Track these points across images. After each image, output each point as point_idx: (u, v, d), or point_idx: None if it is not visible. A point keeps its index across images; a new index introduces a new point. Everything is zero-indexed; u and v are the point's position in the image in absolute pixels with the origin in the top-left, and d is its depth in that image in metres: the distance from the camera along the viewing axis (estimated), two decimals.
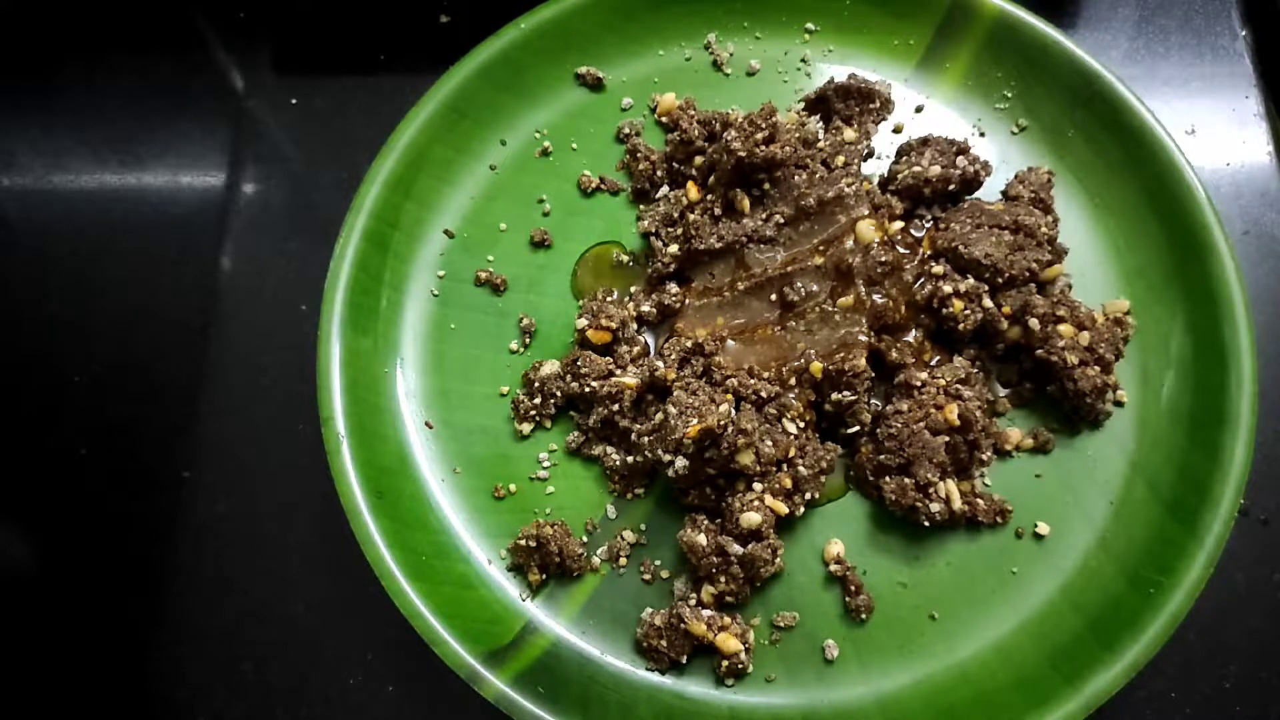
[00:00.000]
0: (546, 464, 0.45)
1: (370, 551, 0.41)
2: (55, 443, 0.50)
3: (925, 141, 0.48)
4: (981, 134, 0.50)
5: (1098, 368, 0.44)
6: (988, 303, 0.44)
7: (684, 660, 0.41)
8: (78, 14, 0.59)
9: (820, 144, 0.49)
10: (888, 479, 0.43)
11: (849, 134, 0.49)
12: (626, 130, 0.51)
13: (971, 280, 0.44)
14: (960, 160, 0.47)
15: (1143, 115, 0.47)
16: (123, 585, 0.47)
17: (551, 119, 0.51)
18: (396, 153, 0.48)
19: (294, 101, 0.56)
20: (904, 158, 0.49)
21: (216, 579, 0.47)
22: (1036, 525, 0.43)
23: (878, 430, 0.44)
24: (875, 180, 0.49)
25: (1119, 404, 0.45)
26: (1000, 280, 0.45)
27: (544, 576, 0.43)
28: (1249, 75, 0.55)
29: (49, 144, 0.56)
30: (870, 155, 0.50)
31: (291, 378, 0.50)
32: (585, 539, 0.44)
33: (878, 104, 0.50)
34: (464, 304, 0.48)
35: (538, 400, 0.46)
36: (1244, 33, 0.56)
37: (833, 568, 0.43)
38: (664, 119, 0.51)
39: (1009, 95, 0.50)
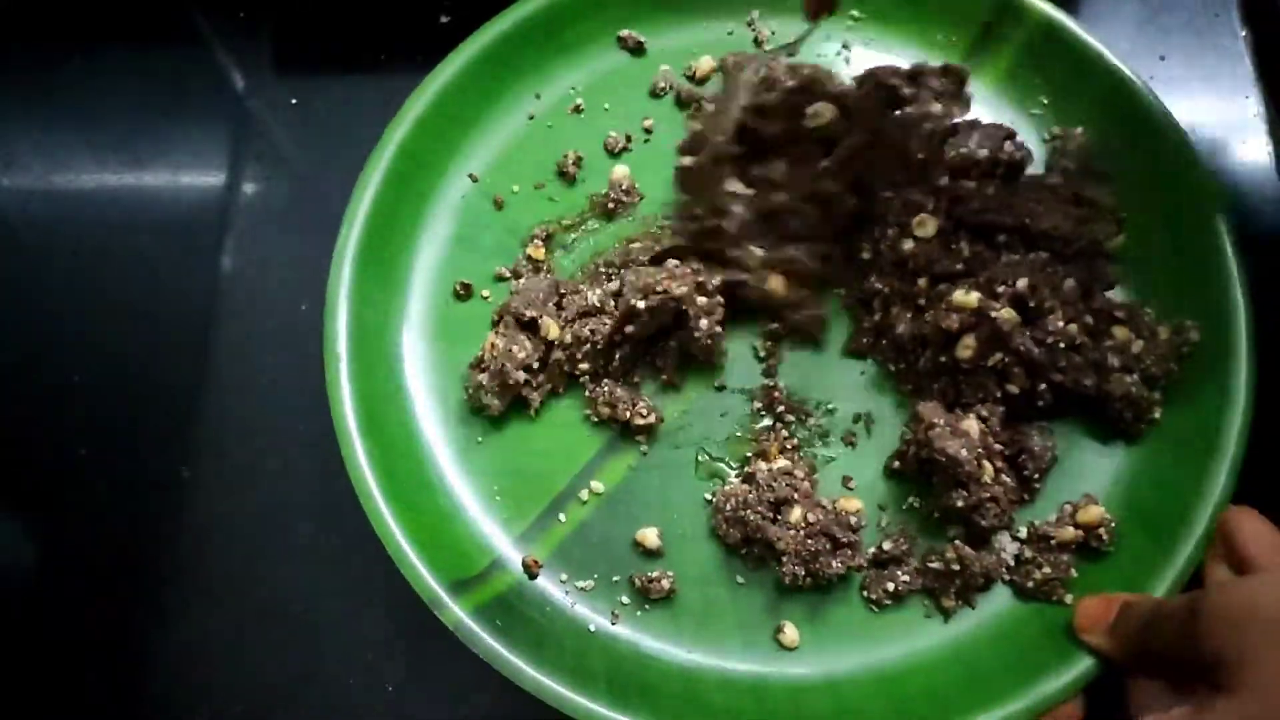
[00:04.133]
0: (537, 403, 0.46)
1: (355, 473, 0.42)
2: (55, 443, 0.50)
3: (973, 125, 0.48)
4: None
5: (1136, 376, 0.43)
6: (999, 311, 0.42)
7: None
8: (77, 13, 0.59)
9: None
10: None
11: (935, 107, 0.48)
12: (663, 84, 0.51)
13: (977, 295, 0.43)
14: (1008, 145, 0.47)
15: (1172, 128, 0.46)
16: (123, 585, 0.47)
17: (588, 78, 0.52)
18: (429, 95, 0.49)
19: (294, 101, 0.56)
20: (951, 139, 0.48)
21: (216, 579, 0.47)
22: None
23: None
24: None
25: (1147, 421, 0.43)
26: (1069, 251, 0.44)
27: (504, 406, 0.45)
28: (1249, 75, 0.55)
29: (49, 144, 0.56)
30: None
31: (292, 377, 0.50)
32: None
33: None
34: (478, 245, 0.49)
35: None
36: (1244, 33, 0.56)
37: None
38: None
39: (1045, 102, 0.50)
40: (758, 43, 0.52)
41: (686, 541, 0.44)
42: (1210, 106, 0.54)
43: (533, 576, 0.43)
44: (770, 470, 0.43)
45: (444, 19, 0.57)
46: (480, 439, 0.46)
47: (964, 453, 0.41)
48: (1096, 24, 0.56)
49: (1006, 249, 0.44)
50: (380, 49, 0.57)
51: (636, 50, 0.52)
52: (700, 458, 0.45)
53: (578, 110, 0.51)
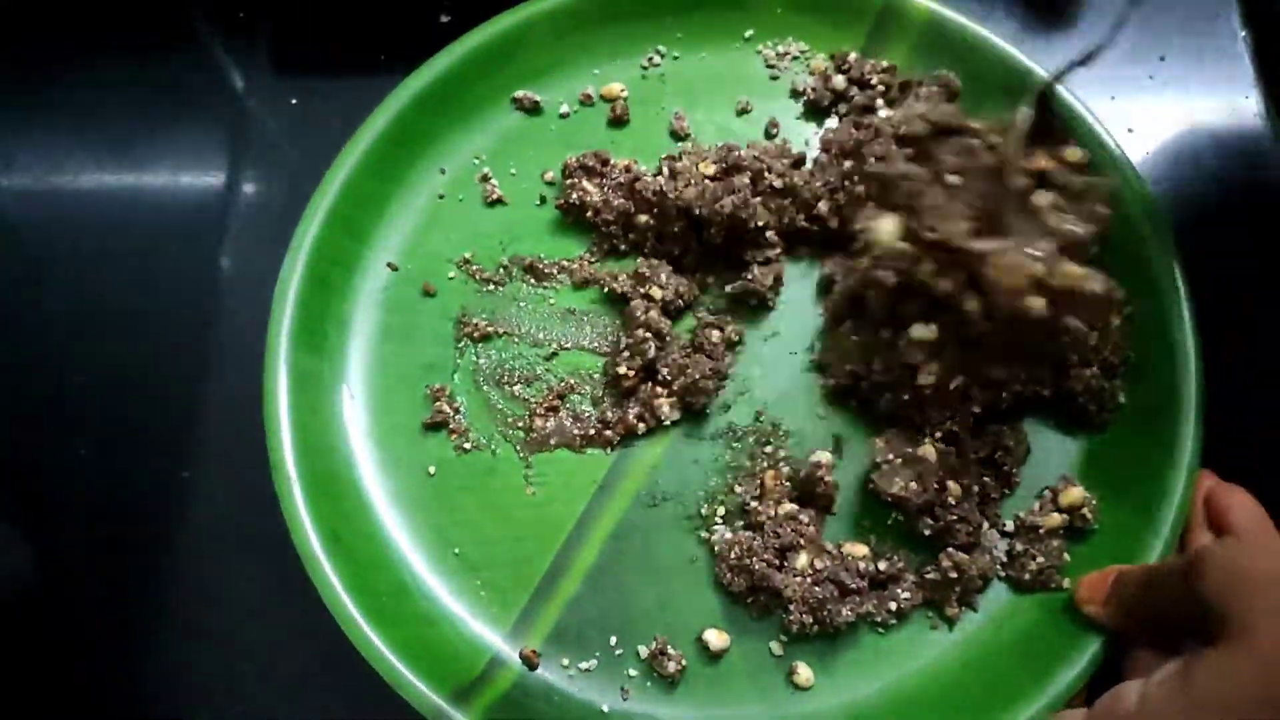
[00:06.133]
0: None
1: (329, 596, 0.41)
2: (55, 443, 0.50)
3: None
4: None
5: (1094, 369, 0.43)
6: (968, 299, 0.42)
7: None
8: (77, 14, 0.59)
9: None
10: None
11: None
12: (571, 165, 0.50)
13: (934, 326, 0.42)
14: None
15: (1082, 114, 0.47)
16: (123, 585, 0.47)
17: (489, 144, 0.51)
18: (335, 189, 0.48)
19: (294, 101, 0.56)
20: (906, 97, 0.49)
21: (216, 579, 0.47)
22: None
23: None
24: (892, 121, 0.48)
25: (1111, 409, 0.44)
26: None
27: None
28: (1249, 75, 0.55)
29: (49, 144, 0.56)
30: None
31: None
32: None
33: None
34: (410, 336, 0.48)
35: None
36: (1244, 33, 0.56)
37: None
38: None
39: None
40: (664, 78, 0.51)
41: (684, 599, 0.43)
42: (1210, 106, 0.54)
43: (533, 668, 0.42)
44: (775, 516, 0.42)
45: (444, 19, 0.57)
46: (453, 536, 0.44)
47: (914, 485, 0.41)
48: (1097, 24, 0.56)
49: None
50: (380, 49, 0.57)
51: (533, 110, 0.52)
52: (680, 511, 0.44)
53: (485, 179, 0.50)
